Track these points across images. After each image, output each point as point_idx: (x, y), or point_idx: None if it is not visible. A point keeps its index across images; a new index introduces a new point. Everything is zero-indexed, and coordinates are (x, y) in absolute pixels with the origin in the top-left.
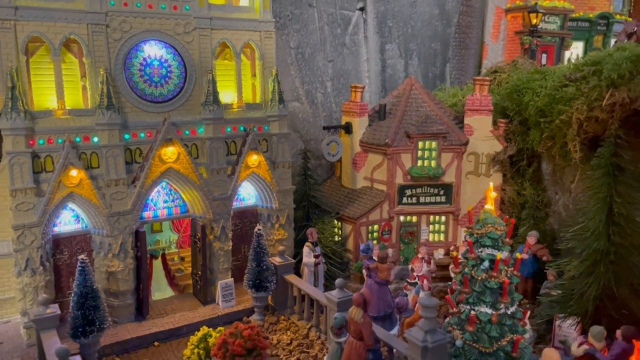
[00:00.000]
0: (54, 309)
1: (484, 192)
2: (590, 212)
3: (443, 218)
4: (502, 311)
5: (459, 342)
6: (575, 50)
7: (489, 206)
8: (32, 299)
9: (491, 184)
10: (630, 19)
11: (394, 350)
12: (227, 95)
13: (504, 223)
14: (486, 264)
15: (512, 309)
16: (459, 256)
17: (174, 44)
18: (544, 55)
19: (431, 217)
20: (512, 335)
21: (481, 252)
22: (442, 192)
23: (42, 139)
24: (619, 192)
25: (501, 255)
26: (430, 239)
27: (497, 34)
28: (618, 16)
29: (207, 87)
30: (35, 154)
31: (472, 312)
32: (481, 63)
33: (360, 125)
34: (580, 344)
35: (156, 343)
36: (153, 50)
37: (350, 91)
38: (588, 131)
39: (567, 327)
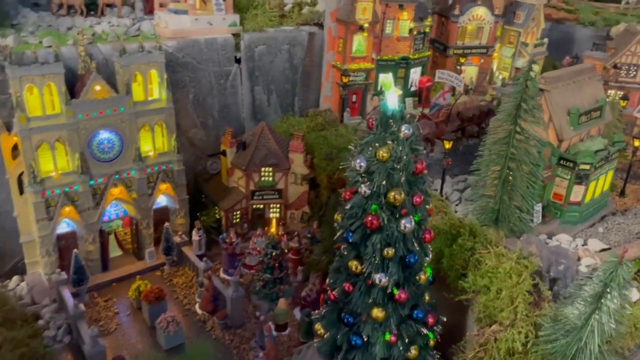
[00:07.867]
0: None
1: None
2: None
3: (278, 206)
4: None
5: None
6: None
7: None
8: None
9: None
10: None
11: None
12: (147, 147)
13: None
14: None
15: None
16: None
17: (116, 129)
18: (354, 96)
19: (271, 206)
20: None
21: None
22: (276, 194)
23: None
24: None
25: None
26: (271, 216)
27: (328, 78)
28: (417, 55)
29: (136, 148)
30: None
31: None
32: (320, 95)
33: (230, 153)
34: None
35: None
36: (105, 135)
37: (229, 121)
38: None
39: None
